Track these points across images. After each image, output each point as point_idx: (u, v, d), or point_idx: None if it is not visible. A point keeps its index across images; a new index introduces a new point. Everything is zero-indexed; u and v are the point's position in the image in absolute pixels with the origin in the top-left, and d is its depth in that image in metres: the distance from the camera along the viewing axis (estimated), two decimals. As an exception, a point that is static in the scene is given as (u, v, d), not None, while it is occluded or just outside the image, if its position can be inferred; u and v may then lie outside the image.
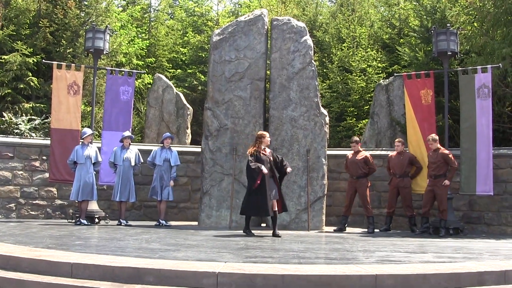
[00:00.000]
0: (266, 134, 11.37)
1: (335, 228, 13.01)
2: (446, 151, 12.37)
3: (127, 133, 13.54)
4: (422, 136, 13.07)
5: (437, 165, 12.24)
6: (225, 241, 9.77)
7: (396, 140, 13.46)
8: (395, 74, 16.15)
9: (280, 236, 10.78)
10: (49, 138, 13.97)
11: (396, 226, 13.78)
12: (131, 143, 13.72)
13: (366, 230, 12.81)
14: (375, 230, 12.77)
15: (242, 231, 11.31)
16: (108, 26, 14.91)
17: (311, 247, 9.16)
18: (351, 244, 9.81)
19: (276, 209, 11.01)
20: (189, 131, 17.22)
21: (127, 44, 21.48)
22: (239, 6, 29.67)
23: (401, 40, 19.65)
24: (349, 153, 13.57)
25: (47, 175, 14.16)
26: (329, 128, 14.48)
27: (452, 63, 15.24)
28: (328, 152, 13.72)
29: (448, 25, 13.77)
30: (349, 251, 8.60)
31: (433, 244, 10.02)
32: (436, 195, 12.30)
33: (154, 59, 23.78)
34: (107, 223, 13.43)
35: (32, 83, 17.50)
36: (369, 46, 21.15)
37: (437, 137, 12.46)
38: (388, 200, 13.22)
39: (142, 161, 13.66)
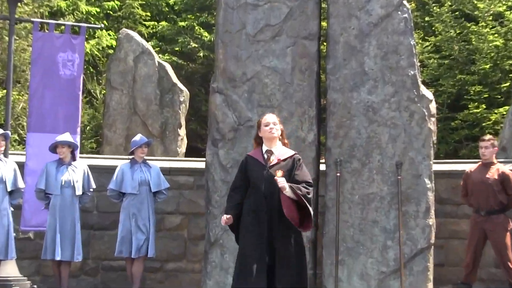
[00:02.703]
0: (266, 117, 7.60)
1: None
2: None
3: (64, 137, 11.02)
4: None
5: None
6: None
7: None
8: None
9: None
10: None
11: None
12: (76, 156, 11.01)
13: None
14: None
15: None
16: None
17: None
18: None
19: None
20: (182, 131, 14.51)
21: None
22: None
23: None
24: (471, 166, 10.82)
25: None
26: (437, 123, 11.82)
27: None
28: (436, 167, 10.88)
29: None
30: None
31: None
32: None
33: (118, 2, 20.39)
34: (35, 299, 11.19)
35: None
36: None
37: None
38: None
39: (94, 186, 11.16)
